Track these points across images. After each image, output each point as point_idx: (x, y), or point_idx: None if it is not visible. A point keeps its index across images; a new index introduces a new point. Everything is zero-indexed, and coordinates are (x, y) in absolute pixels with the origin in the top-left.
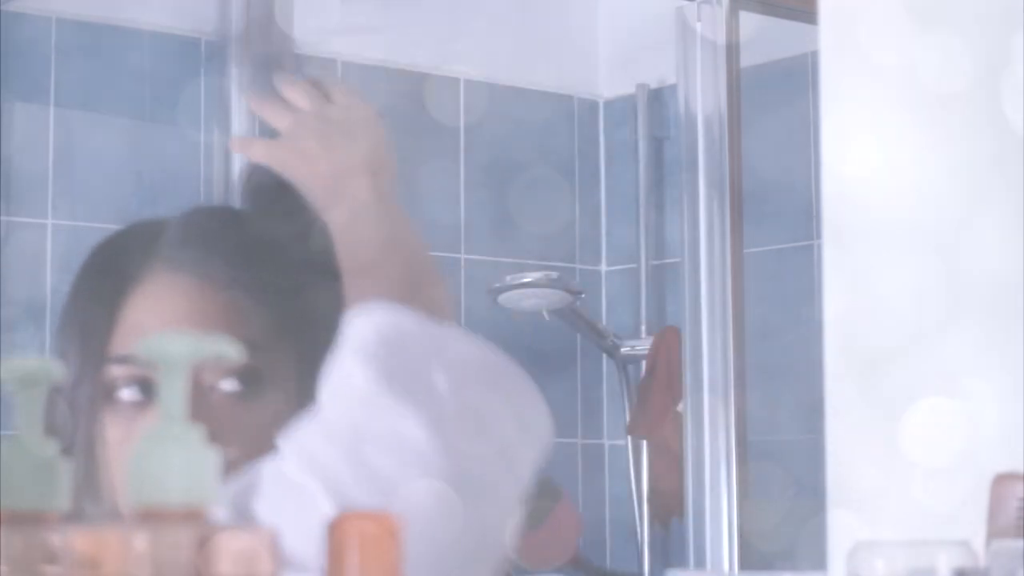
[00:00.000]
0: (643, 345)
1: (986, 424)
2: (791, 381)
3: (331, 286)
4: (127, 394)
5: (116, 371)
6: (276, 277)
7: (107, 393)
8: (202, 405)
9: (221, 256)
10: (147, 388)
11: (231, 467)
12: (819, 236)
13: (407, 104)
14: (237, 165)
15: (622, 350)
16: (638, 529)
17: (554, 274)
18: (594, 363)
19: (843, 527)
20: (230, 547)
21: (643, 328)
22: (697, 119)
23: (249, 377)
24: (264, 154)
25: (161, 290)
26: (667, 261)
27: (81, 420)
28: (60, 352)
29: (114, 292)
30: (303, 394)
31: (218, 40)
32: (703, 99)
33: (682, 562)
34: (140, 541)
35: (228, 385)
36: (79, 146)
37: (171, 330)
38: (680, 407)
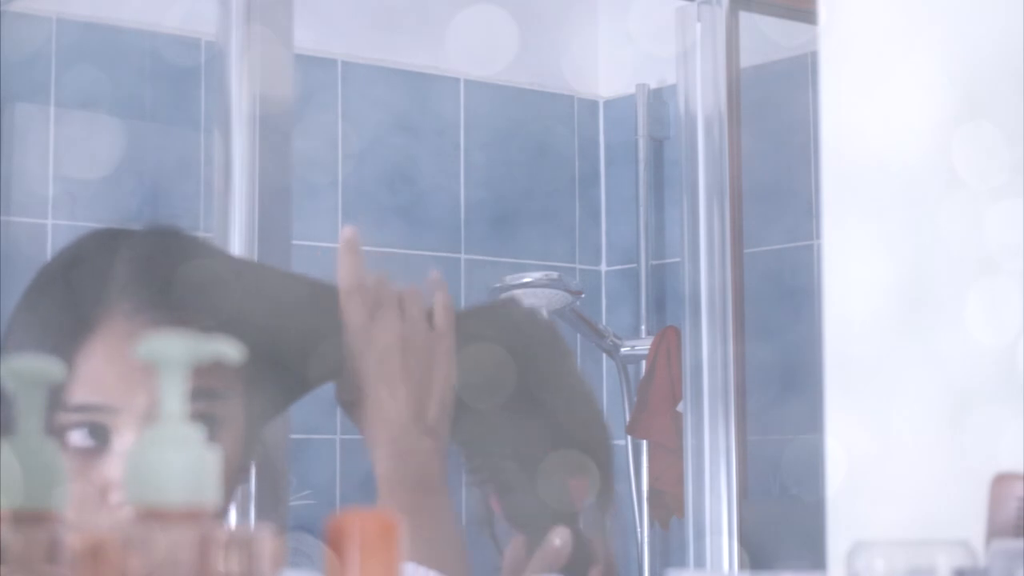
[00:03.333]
0: (643, 345)
1: (986, 424)
2: (791, 381)
3: (289, 337)
4: (77, 438)
5: (69, 417)
6: (234, 323)
7: (54, 435)
8: None
9: (179, 301)
10: (98, 433)
11: None
12: (819, 236)
13: (407, 104)
14: (237, 165)
15: (622, 350)
16: (638, 529)
17: (554, 274)
18: (594, 363)
19: (843, 527)
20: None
21: (643, 328)
22: (697, 119)
23: (206, 424)
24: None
25: (118, 340)
26: (667, 261)
27: None
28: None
29: (69, 339)
30: (249, 442)
31: (218, 40)
32: (703, 99)
33: (682, 562)
34: (140, 541)
35: None
36: (79, 146)
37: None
38: (680, 407)
